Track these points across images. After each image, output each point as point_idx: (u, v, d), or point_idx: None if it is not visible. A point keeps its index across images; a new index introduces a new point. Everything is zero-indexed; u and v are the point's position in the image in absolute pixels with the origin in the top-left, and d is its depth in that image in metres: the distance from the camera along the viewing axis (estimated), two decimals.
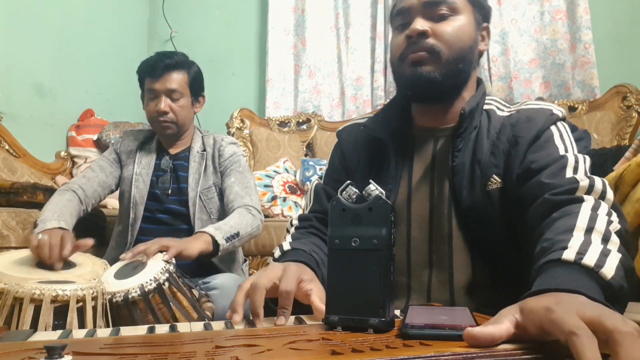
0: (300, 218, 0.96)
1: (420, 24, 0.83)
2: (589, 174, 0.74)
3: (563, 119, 0.86)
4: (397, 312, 0.69)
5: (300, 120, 3.01)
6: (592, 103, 2.52)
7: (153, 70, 1.53)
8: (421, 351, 0.43)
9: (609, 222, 0.63)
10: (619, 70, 2.53)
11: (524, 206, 0.76)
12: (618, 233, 0.62)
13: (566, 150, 0.79)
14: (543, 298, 0.48)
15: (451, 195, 0.85)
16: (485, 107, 0.89)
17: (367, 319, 0.54)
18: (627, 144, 2.21)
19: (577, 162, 0.76)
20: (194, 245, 1.23)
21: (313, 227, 0.93)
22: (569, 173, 0.74)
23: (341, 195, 0.60)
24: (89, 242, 1.15)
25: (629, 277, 0.57)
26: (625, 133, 2.35)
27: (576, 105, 2.54)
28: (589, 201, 0.68)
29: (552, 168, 0.76)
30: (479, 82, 0.93)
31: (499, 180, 0.82)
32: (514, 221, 0.80)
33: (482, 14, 0.90)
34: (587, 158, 0.78)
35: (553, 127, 0.83)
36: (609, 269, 0.54)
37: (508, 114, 0.87)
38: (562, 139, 0.81)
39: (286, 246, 0.85)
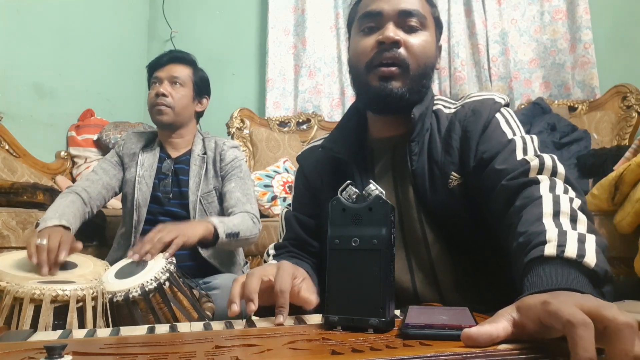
0: (276, 247, 0.97)
1: (394, 32, 0.83)
2: (538, 153, 0.76)
3: (507, 105, 0.88)
4: (397, 312, 0.69)
5: (300, 120, 3.01)
6: (592, 103, 2.52)
7: (160, 60, 1.58)
8: (421, 351, 0.43)
9: (571, 200, 0.65)
10: (619, 70, 2.53)
11: (485, 196, 0.78)
12: (581, 209, 0.64)
13: (514, 134, 0.81)
14: (539, 295, 0.48)
15: (416, 199, 0.86)
16: (433, 107, 0.90)
17: (367, 319, 0.54)
18: (627, 144, 2.21)
19: (525, 143, 0.78)
20: (196, 232, 1.25)
21: (290, 252, 0.94)
22: (519, 155, 0.76)
23: (341, 195, 0.60)
24: (79, 245, 1.15)
25: (606, 254, 0.58)
26: (625, 133, 2.35)
27: (576, 105, 2.54)
28: (544, 181, 0.70)
29: (503, 154, 0.78)
30: None
31: (458, 176, 0.83)
32: (480, 214, 0.81)
33: (440, 32, 0.92)
34: (535, 137, 0.80)
35: (498, 115, 0.85)
36: (591, 257, 0.54)
37: (454, 110, 0.88)
38: (509, 123, 0.83)
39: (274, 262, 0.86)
